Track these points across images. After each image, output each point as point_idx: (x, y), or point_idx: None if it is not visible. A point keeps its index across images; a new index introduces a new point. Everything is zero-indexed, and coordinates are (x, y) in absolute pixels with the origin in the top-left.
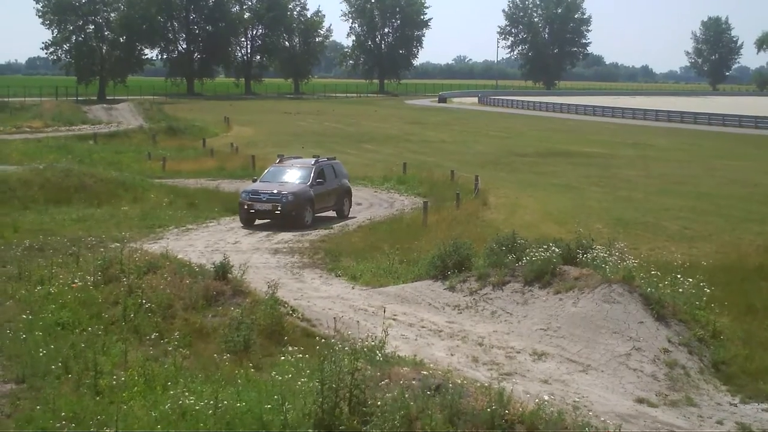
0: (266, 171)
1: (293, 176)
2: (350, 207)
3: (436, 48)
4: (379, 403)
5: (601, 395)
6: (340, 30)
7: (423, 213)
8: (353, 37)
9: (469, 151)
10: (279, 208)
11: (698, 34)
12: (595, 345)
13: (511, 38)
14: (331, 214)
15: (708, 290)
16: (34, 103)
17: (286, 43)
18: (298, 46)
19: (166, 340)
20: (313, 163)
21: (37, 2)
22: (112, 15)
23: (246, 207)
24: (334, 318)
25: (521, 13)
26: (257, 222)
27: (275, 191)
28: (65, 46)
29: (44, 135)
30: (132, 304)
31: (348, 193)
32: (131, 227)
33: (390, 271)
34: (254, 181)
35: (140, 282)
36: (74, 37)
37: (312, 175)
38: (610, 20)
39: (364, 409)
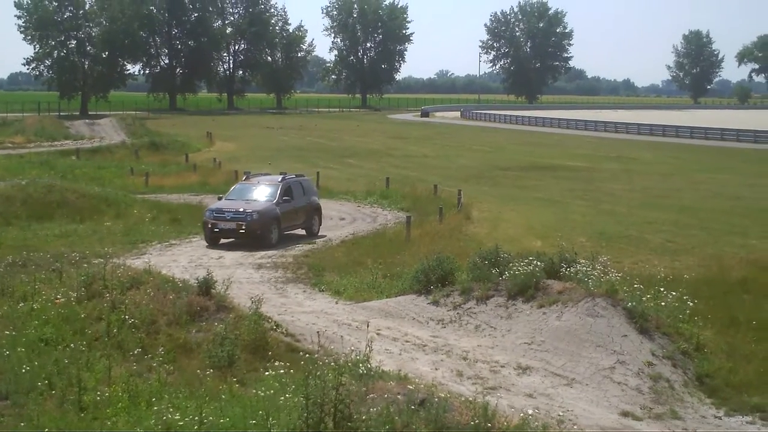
0: (232, 189)
1: (259, 194)
2: (320, 225)
3: (418, 62)
4: (364, 417)
5: (586, 409)
6: (322, 45)
7: (406, 227)
8: (335, 52)
9: (452, 165)
10: (243, 227)
11: (679, 48)
12: (580, 359)
13: (493, 52)
14: (300, 232)
15: (691, 303)
16: (16, 118)
17: (269, 58)
18: (281, 61)
19: (150, 355)
20: (279, 180)
21: (18, 17)
22: (94, 30)
23: (210, 226)
24: (318, 333)
25: (503, 28)
26: (222, 241)
27: (240, 209)
28: (47, 62)
29: (26, 150)
30: (115, 320)
31: (317, 210)
32: (114, 243)
33: (373, 285)
34: (219, 199)
35: (123, 298)
36: (56, 53)
37: (278, 192)
38: (592, 34)
39: (349, 424)
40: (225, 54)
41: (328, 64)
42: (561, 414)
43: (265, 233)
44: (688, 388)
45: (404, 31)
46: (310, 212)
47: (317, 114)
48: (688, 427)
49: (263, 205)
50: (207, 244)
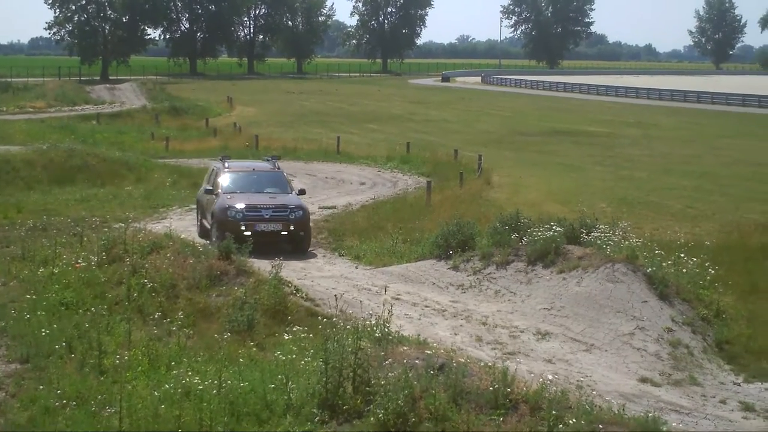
0: (223, 178)
1: (271, 184)
2: None
3: (439, 27)
4: (382, 382)
5: (605, 374)
6: (343, 9)
7: (426, 192)
8: (356, 17)
9: (473, 130)
10: (291, 227)
11: (702, 13)
12: (599, 324)
13: (514, 17)
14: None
15: (711, 269)
16: (37, 83)
17: (289, 22)
18: (301, 25)
19: (169, 319)
20: (273, 167)
21: None
22: None
23: (243, 228)
24: (336, 297)
25: None
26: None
27: (279, 204)
28: (68, 26)
29: (47, 115)
30: (136, 284)
31: None
32: (135, 207)
33: (393, 250)
34: (208, 192)
35: (144, 262)
36: (77, 17)
37: (287, 181)
38: None
39: (368, 388)
40: (245, 18)
41: (349, 29)
42: (580, 379)
43: (308, 234)
44: (707, 355)
45: None
46: None
47: (338, 79)
48: (707, 393)
49: (294, 199)
50: (210, 244)
